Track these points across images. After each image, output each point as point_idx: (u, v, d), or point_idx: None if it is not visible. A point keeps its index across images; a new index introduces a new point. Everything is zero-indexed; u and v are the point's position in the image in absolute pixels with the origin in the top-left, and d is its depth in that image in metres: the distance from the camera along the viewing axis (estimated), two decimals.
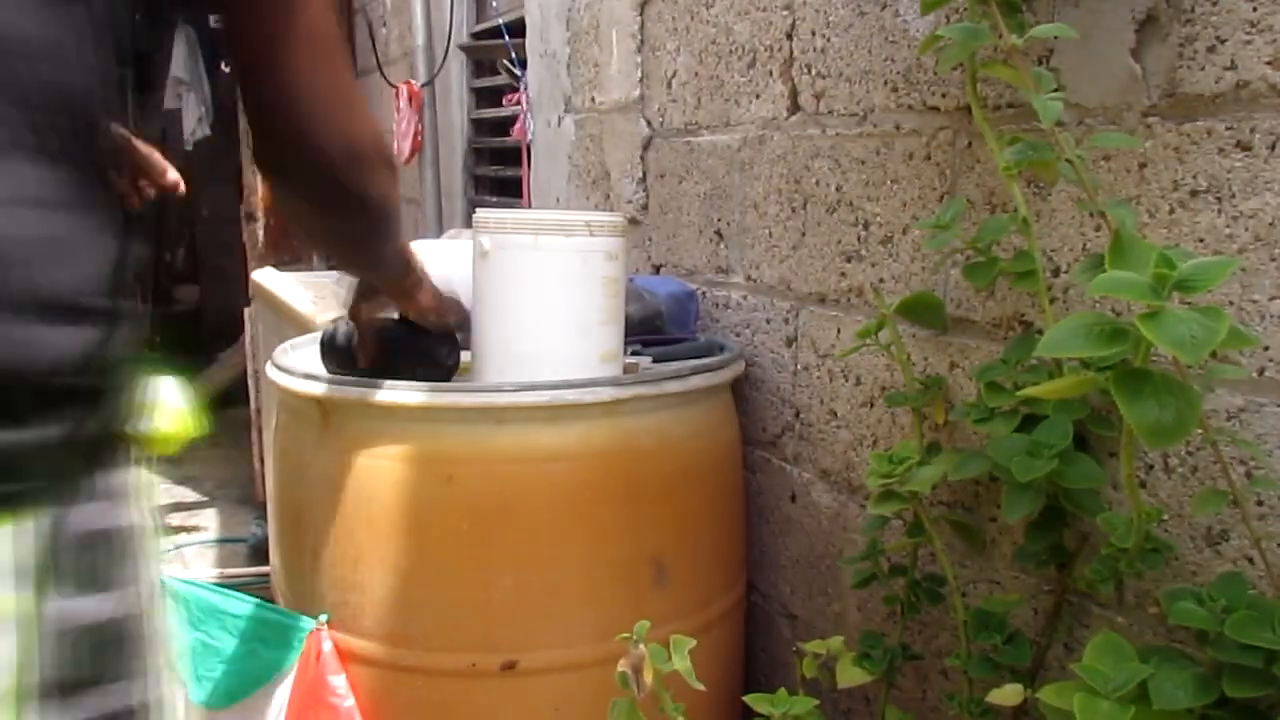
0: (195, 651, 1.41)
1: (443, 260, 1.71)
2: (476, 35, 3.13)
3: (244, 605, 1.41)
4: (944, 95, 1.18)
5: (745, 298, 1.61)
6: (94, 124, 0.68)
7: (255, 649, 1.39)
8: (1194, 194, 0.91)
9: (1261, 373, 0.88)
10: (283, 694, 1.37)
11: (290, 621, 1.37)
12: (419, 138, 3.26)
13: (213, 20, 4.13)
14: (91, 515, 0.69)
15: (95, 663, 0.70)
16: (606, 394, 1.27)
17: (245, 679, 1.40)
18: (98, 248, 0.67)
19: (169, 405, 0.95)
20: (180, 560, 2.88)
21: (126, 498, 0.73)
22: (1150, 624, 0.98)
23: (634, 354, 1.45)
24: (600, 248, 1.30)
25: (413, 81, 3.28)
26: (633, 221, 1.91)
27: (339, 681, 1.31)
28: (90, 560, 0.69)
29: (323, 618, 1.32)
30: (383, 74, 3.58)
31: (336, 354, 1.34)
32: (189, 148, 4.79)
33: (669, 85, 1.78)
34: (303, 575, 1.36)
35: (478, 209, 1.37)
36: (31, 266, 0.62)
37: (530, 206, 2.52)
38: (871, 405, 1.35)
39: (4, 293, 0.61)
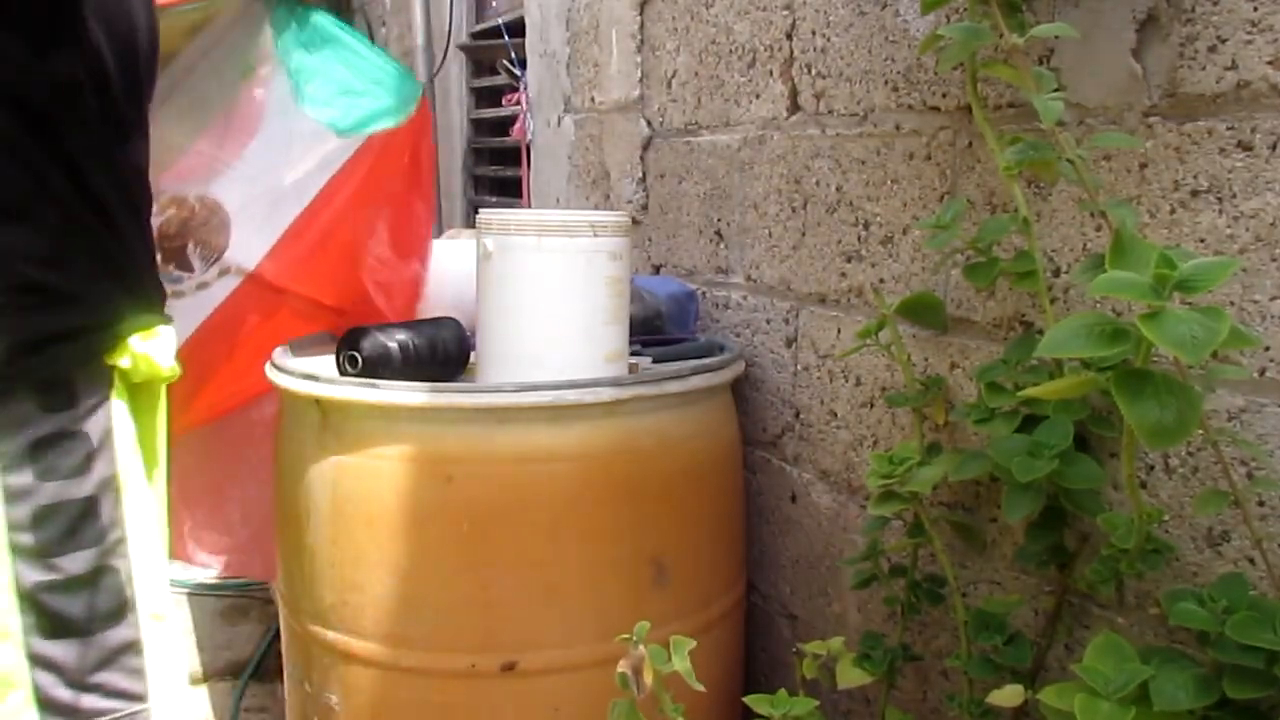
0: (312, 72, 1.53)
1: (444, 260, 1.71)
2: (476, 35, 3.13)
3: (360, 45, 1.57)
4: (944, 95, 1.18)
5: (745, 298, 1.61)
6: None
7: (372, 89, 1.56)
8: (1195, 194, 0.91)
9: (1263, 373, 0.87)
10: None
11: (406, 74, 1.58)
12: None
13: None
14: (58, 422, 0.98)
15: (58, 533, 0.97)
16: (607, 394, 1.27)
17: (362, 116, 1.56)
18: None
19: (149, 351, 1.07)
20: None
21: (93, 412, 1.00)
22: (1151, 625, 0.98)
23: (634, 354, 1.45)
24: (604, 248, 1.30)
25: None
26: (633, 222, 1.91)
27: (420, 146, 1.59)
28: (51, 458, 0.97)
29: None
30: None
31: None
32: None
33: (669, 85, 1.78)
34: (303, 575, 1.36)
35: (481, 210, 1.37)
36: None
37: (530, 206, 2.52)
38: (872, 406, 1.34)
39: None
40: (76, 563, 1.00)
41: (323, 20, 1.51)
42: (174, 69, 1.48)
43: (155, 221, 1.54)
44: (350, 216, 1.68)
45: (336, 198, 1.67)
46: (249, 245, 1.67)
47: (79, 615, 1.01)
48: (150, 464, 1.09)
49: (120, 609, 1.03)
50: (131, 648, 1.04)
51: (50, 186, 0.97)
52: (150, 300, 1.11)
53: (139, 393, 1.08)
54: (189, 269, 1.65)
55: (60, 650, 1.00)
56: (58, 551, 0.99)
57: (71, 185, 0.99)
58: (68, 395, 1.00)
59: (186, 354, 1.71)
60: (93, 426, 1.01)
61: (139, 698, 1.05)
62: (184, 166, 1.59)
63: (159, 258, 1.58)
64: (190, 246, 1.63)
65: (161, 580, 1.08)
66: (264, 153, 1.62)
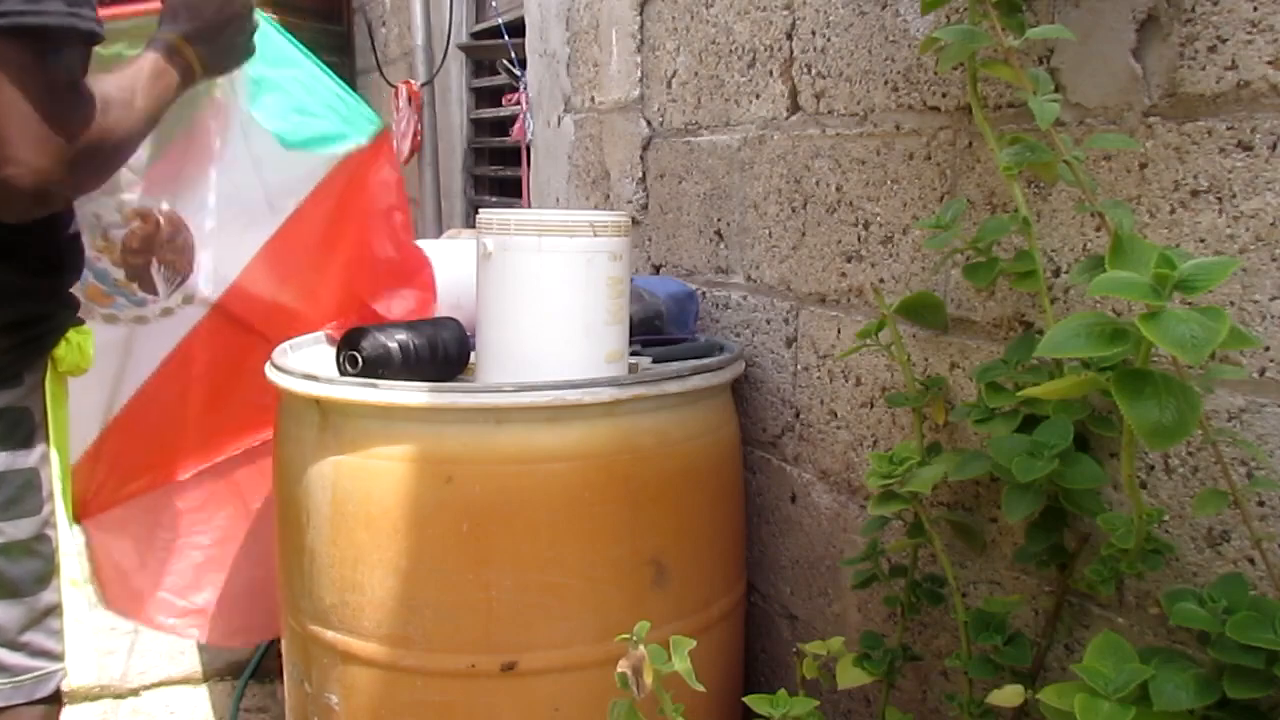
0: (271, 85, 1.51)
1: (444, 261, 1.71)
2: (476, 35, 3.13)
3: (321, 73, 1.55)
4: (944, 95, 1.18)
5: (745, 298, 1.61)
6: None
7: (326, 113, 1.54)
8: (1195, 194, 0.91)
9: (1262, 373, 0.87)
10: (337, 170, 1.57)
11: (361, 107, 1.57)
12: (418, 138, 3.26)
13: None
14: (8, 398, 1.04)
15: (5, 498, 1.04)
16: (606, 394, 1.27)
17: (313, 135, 1.55)
18: None
19: (82, 343, 1.14)
20: None
21: (34, 392, 1.08)
22: (1151, 625, 0.98)
23: (634, 354, 1.45)
24: (604, 248, 1.30)
25: (412, 81, 3.27)
26: (633, 221, 1.91)
27: (389, 177, 1.54)
28: (3, 429, 1.04)
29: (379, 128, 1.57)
30: (382, 74, 3.58)
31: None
32: None
33: (669, 85, 1.78)
34: (303, 575, 1.36)
35: (481, 210, 1.37)
36: None
37: (530, 206, 2.52)
38: (872, 406, 1.34)
39: None
40: (21, 528, 1.06)
41: (288, 42, 1.49)
42: None
43: (118, 234, 1.53)
44: (320, 252, 1.63)
45: (304, 231, 1.61)
46: (214, 273, 1.62)
47: (20, 577, 1.07)
48: (61, 446, 1.15)
49: (49, 574, 1.10)
50: (55, 610, 1.11)
51: None
52: (74, 303, 1.18)
53: (55, 383, 1.14)
54: (153, 290, 1.60)
55: (1, 611, 1.06)
56: (4, 516, 1.05)
57: None
58: (16, 374, 1.06)
59: (147, 402, 1.68)
60: (35, 405, 1.08)
61: (58, 657, 1.11)
62: (146, 181, 1.54)
63: (123, 274, 1.57)
64: (154, 265, 1.58)
65: (70, 548, 1.15)
66: (227, 174, 1.57)
